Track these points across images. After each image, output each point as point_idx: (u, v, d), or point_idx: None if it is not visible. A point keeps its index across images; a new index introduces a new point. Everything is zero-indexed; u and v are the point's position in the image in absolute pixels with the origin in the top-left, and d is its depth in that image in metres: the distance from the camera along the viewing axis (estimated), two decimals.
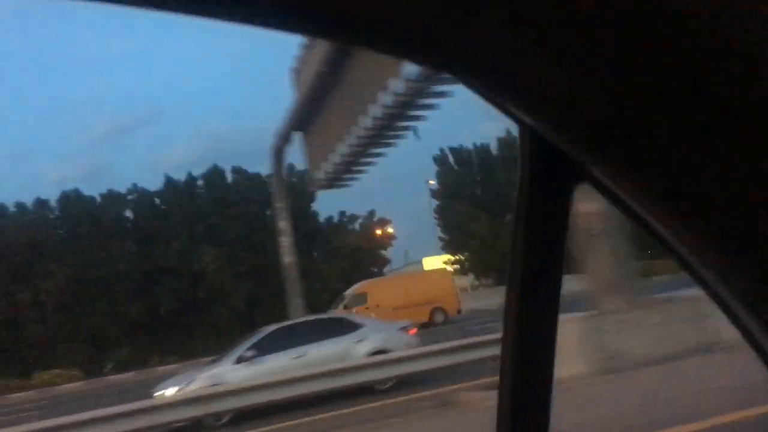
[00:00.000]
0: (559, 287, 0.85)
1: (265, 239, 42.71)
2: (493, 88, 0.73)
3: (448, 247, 53.74)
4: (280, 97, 48.63)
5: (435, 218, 54.97)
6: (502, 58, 0.67)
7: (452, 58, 0.70)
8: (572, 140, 0.72)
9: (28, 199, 47.25)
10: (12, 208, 46.55)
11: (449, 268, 47.10)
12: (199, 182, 49.57)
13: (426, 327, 27.42)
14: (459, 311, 36.06)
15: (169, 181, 49.16)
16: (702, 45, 0.60)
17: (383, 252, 52.81)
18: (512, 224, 0.85)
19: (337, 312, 28.14)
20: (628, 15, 0.60)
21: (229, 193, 48.59)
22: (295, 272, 28.06)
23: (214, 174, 49.51)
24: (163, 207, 48.69)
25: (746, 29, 0.59)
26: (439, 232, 55.02)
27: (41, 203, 47.32)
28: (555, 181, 0.82)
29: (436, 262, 51.34)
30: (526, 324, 0.85)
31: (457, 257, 52.19)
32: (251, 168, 50.28)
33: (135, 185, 48.71)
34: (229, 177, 49.78)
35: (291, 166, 41.53)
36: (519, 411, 0.86)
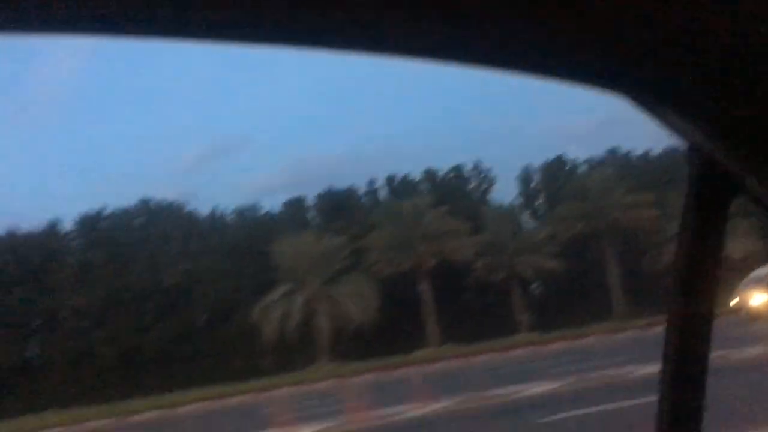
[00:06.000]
0: (714, 297, 0.92)
1: None
2: (659, 101, 0.75)
3: None
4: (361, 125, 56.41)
5: None
6: (672, 74, 0.70)
7: (621, 75, 0.73)
8: (732, 152, 0.75)
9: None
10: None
11: None
12: None
13: None
14: None
15: None
16: None
17: None
18: (677, 239, 0.91)
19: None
20: None
21: None
22: None
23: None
24: None
25: None
26: None
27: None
28: (715, 195, 0.86)
29: None
30: (685, 332, 0.92)
31: None
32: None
33: None
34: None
35: None
36: (676, 401, 0.95)
